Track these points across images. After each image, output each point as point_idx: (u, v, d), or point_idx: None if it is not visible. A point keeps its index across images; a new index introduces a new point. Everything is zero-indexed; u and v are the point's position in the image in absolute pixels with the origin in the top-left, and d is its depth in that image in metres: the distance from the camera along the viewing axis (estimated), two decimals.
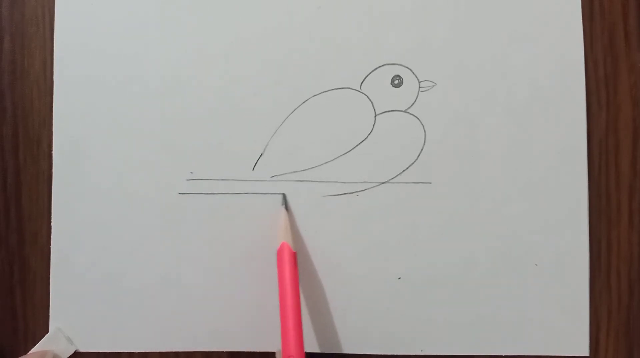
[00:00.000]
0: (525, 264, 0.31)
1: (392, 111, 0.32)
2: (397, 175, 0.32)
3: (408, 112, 0.32)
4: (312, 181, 0.32)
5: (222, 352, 0.32)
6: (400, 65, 0.32)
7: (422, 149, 0.32)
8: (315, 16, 0.32)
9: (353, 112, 0.32)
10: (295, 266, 0.29)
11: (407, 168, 0.32)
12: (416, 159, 0.32)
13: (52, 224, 0.32)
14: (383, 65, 0.32)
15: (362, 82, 0.32)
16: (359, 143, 0.32)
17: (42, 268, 0.32)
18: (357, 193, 0.32)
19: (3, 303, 0.32)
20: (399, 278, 0.31)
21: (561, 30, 0.32)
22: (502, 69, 0.32)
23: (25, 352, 0.32)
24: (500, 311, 0.31)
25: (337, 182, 0.32)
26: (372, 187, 0.32)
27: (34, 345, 0.31)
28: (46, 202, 0.32)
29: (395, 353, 0.31)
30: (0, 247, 0.32)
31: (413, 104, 0.32)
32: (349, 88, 0.32)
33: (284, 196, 0.31)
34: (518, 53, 0.32)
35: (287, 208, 0.31)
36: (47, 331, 0.32)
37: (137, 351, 0.32)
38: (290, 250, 0.29)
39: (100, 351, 0.32)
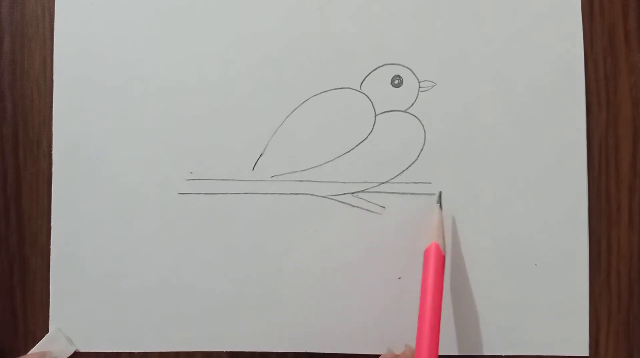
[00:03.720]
0: (525, 264, 0.31)
1: (392, 111, 0.32)
2: (397, 175, 0.32)
3: (408, 113, 0.32)
4: (312, 181, 0.32)
5: (222, 352, 0.32)
6: (400, 65, 0.32)
7: (422, 149, 0.32)
8: (316, 16, 0.32)
9: (353, 112, 0.32)
10: (442, 268, 0.28)
11: (407, 168, 0.32)
12: (416, 159, 0.32)
13: (52, 224, 0.32)
14: (383, 65, 0.32)
15: (362, 82, 0.32)
16: (359, 143, 0.32)
17: (42, 268, 0.32)
18: (357, 193, 0.32)
19: (3, 303, 0.32)
20: (399, 278, 0.31)
21: (561, 30, 0.32)
22: (502, 69, 0.32)
23: (25, 352, 0.32)
24: (500, 311, 0.31)
25: (337, 182, 0.32)
26: (372, 187, 0.32)
27: (34, 345, 0.31)
28: (46, 202, 0.32)
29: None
30: (0, 247, 0.32)
31: (413, 104, 0.32)
32: (349, 88, 0.32)
33: (440, 194, 0.31)
34: (518, 53, 0.32)
35: (441, 206, 0.31)
36: (47, 331, 0.32)
37: (137, 351, 0.32)
38: (439, 252, 0.29)
39: (100, 351, 0.32)
